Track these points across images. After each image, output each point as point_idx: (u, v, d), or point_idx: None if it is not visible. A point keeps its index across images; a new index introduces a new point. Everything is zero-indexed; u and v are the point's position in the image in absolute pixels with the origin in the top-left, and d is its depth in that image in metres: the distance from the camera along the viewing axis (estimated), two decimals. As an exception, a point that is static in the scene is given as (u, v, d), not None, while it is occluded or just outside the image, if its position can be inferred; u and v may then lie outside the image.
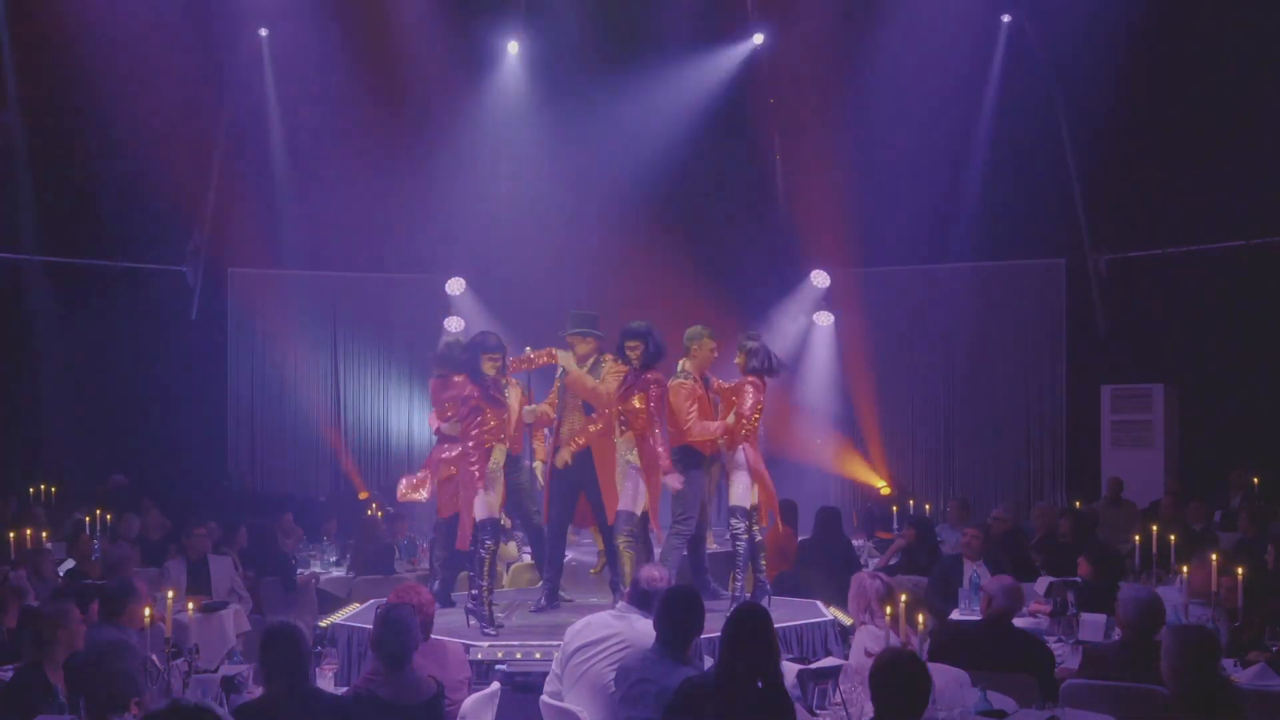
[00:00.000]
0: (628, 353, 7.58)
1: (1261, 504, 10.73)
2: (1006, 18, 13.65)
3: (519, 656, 6.73)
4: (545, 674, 5.50)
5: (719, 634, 4.53)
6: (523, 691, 6.14)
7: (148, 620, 5.98)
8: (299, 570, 10.24)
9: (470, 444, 7.44)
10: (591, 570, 9.11)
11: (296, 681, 4.48)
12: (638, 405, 7.53)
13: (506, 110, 14.87)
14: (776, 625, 4.65)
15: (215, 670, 5.83)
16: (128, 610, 6.03)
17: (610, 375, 7.74)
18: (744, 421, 7.62)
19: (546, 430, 8.31)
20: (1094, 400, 13.99)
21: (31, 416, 13.24)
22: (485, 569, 7.40)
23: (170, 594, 6.00)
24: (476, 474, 7.39)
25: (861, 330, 14.88)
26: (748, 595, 7.64)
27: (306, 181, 13.91)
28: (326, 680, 7.06)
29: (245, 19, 13.58)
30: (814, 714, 5.09)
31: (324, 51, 13.59)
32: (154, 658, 5.58)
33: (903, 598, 5.46)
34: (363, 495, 13.93)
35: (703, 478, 7.96)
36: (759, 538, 7.84)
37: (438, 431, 7.87)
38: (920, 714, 4.05)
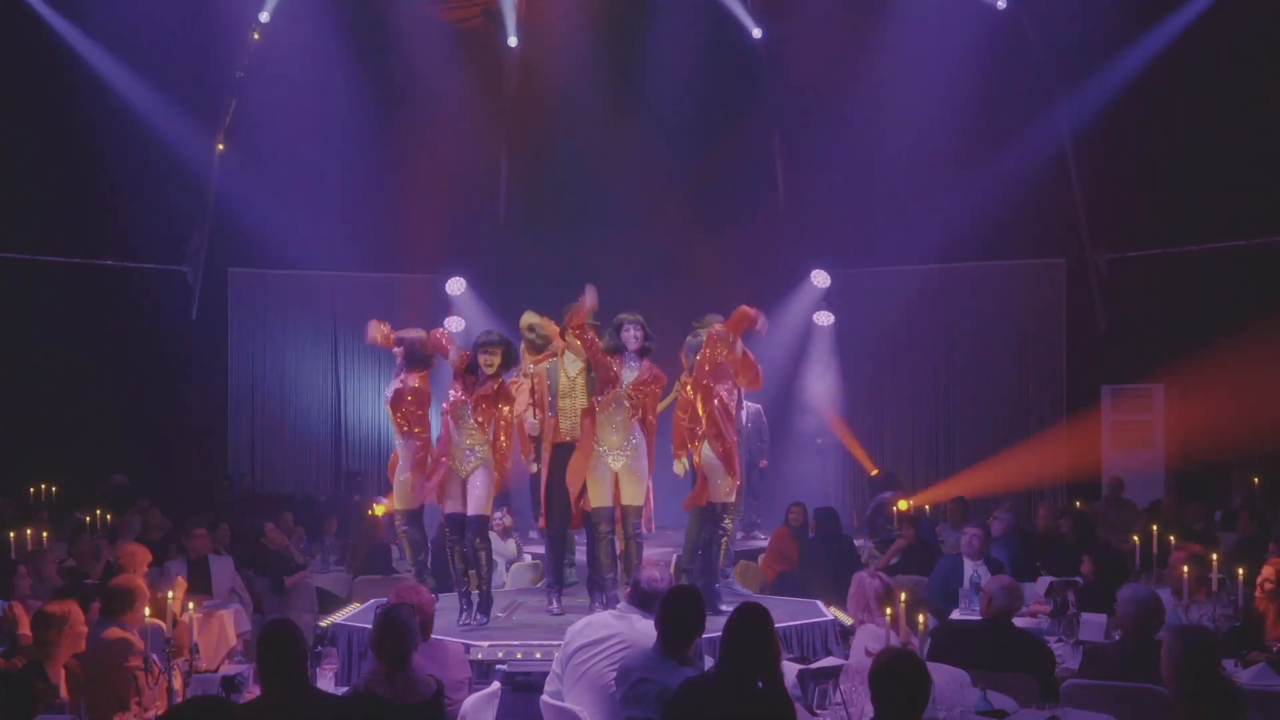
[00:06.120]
0: (630, 338, 7.65)
1: (1261, 504, 10.73)
2: (1002, 2, 13.58)
3: (519, 656, 6.73)
4: (545, 674, 5.49)
5: (719, 634, 4.54)
6: (523, 691, 6.14)
7: (147, 619, 5.98)
8: (298, 570, 10.22)
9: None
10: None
11: (294, 680, 4.47)
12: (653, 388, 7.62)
13: (507, 109, 14.87)
14: (776, 625, 4.65)
15: (215, 670, 5.83)
16: (132, 608, 6.03)
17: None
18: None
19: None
20: (1094, 400, 13.98)
21: (31, 416, 13.22)
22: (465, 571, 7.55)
23: (170, 594, 6.00)
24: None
25: (861, 330, 14.87)
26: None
27: (306, 181, 13.90)
28: (326, 680, 7.07)
29: (246, 19, 13.57)
30: (814, 714, 5.08)
31: (324, 51, 13.58)
32: (154, 657, 5.58)
33: (902, 597, 5.46)
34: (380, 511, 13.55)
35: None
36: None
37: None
38: (920, 714, 4.05)
